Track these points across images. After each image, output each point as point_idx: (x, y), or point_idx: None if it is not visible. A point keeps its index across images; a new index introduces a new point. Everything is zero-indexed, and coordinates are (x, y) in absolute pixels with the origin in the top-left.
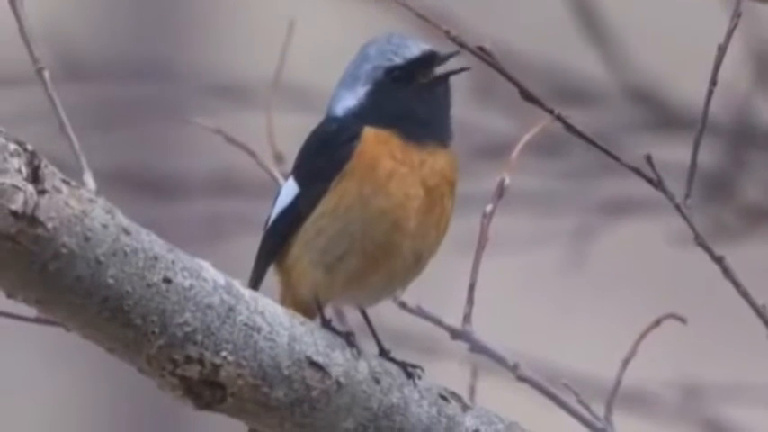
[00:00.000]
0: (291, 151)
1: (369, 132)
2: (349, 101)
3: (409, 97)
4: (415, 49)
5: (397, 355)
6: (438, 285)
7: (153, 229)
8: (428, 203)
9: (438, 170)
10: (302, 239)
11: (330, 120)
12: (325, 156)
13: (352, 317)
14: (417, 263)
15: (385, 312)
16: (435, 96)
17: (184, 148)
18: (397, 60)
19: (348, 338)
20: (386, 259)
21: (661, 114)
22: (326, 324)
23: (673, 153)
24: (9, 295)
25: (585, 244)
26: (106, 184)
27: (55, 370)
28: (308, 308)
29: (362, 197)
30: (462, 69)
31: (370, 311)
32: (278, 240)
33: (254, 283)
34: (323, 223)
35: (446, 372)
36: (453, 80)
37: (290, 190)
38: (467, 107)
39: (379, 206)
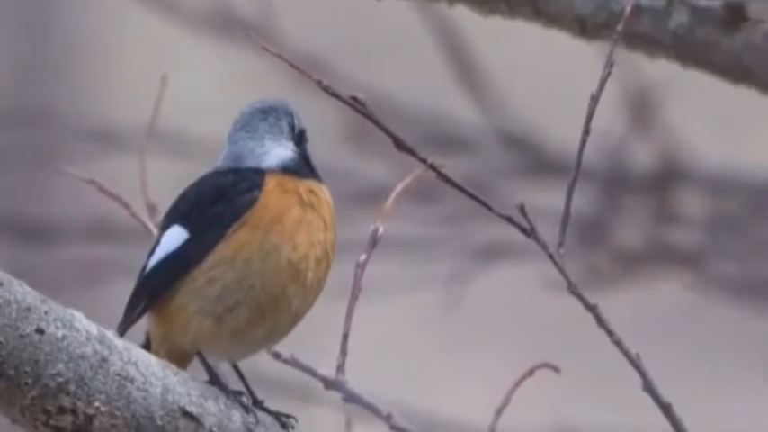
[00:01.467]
0: (165, 200)
1: (271, 181)
2: (281, 150)
3: (303, 152)
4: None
5: (272, 404)
6: (312, 334)
7: (28, 275)
8: (321, 254)
9: (330, 204)
10: (190, 288)
11: (226, 171)
12: (222, 204)
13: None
14: (296, 319)
15: (259, 361)
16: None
17: (59, 195)
18: (303, 126)
19: (237, 398)
20: (273, 313)
21: (535, 160)
22: (216, 380)
23: (548, 197)
24: None
25: (461, 289)
26: None
27: None
28: (183, 358)
29: (264, 249)
30: None
31: (245, 360)
32: (160, 286)
33: (123, 329)
34: (216, 273)
35: (321, 420)
36: (327, 127)
37: (176, 236)
38: (342, 154)
39: (284, 258)
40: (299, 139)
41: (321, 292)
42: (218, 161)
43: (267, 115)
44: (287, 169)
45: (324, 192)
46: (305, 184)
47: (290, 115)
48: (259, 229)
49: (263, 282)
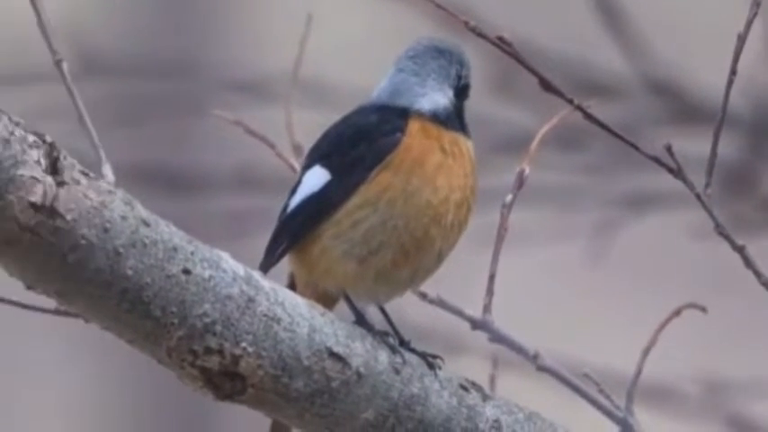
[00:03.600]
0: (308, 145)
1: (414, 124)
2: (440, 95)
3: (459, 106)
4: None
5: (417, 347)
6: (458, 278)
7: (173, 223)
8: (463, 197)
9: (472, 159)
10: (333, 230)
11: (370, 109)
12: (364, 145)
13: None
14: (439, 259)
15: (405, 307)
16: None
17: (204, 143)
18: (470, 81)
19: (384, 338)
20: (417, 254)
21: (681, 106)
22: (362, 320)
23: (693, 145)
24: (28, 287)
25: (607, 237)
26: (126, 180)
27: (78, 361)
28: (328, 300)
29: (407, 191)
30: None
31: (391, 303)
32: (302, 228)
33: (264, 270)
34: (360, 215)
35: (466, 364)
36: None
37: (318, 177)
38: (485, 101)
39: (425, 200)
40: (461, 91)
41: (463, 233)
42: (376, 90)
43: (441, 56)
44: (437, 117)
45: (468, 146)
46: (450, 135)
47: (461, 64)
48: (401, 172)
49: (406, 223)
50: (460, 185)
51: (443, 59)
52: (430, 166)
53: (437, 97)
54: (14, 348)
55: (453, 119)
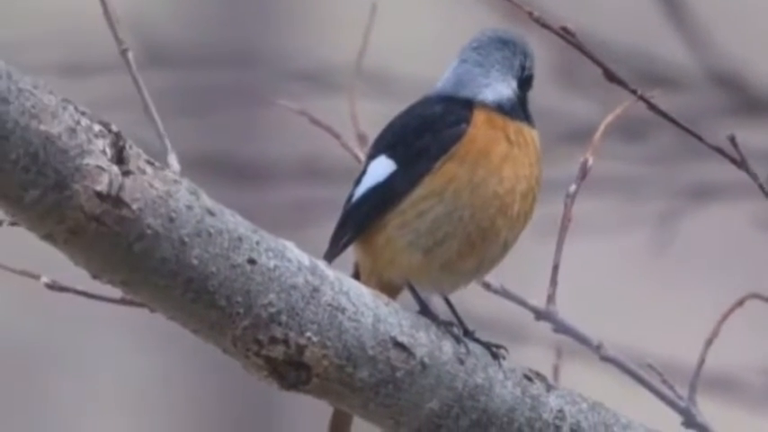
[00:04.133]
0: (372, 135)
1: (479, 115)
2: (504, 86)
3: (523, 96)
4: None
5: (481, 337)
6: (521, 269)
7: (238, 213)
8: (528, 187)
9: (537, 148)
10: (398, 220)
11: (435, 100)
12: (429, 136)
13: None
14: (505, 249)
15: (468, 297)
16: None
17: (268, 133)
18: (533, 72)
19: (448, 328)
20: (483, 244)
21: (744, 98)
22: (426, 311)
23: (756, 136)
24: (94, 277)
25: (671, 227)
26: (191, 170)
27: (143, 351)
28: (393, 289)
29: (473, 182)
30: None
31: (455, 293)
32: (367, 218)
33: (329, 260)
34: (426, 205)
35: (530, 353)
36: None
37: (383, 167)
38: (549, 91)
39: (491, 191)
40: (525, 82)
41: (528, 223)
42: (440, 81)
43: (505, 46)
44: (501, 107)
45: (532, 135)
46: (514, 125)
47: (525, 55)
48: (467, 162)
49: (472, 213)
50: (526, 175)
51: (507, 50)
52: (496, 156)
53: (501, 88)
54: (80, 338)
55: (517, 109)
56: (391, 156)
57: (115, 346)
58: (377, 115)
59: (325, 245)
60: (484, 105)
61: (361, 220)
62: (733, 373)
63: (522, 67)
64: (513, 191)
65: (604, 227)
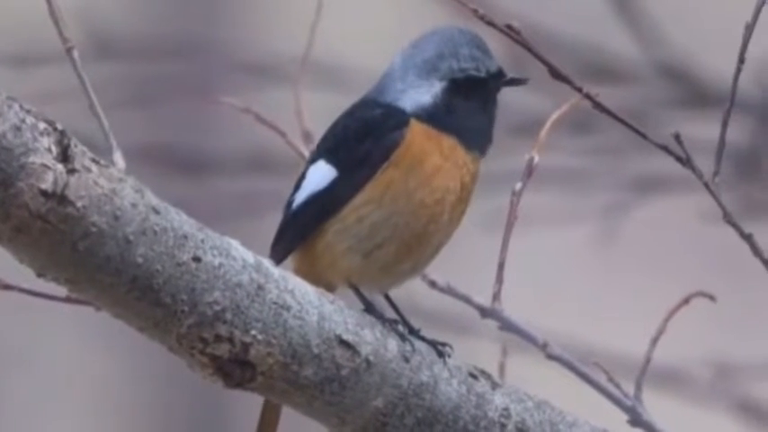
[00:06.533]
0: (320, 130)
1: (416, 125)
2: (421, 92)
3: (474, 107)
4: (493, 64)
5: (427, 335)
6: (467, 265)
7: (183, 207)
8: (458, 199)
9: (473, 173)
10: (338, 226)
11: (372, 103)
12: (370, 141)
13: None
14: (437, 250)
15: (415, 292)
16: (491, 111)
17: (215, 126)
18: (480, 73)
19: (393, 326)
20: (418, 248)
21: (691, 91)
22: (371, 309)
23: (703, 130)
24: (39, 275)
25: (616, 221)
26: (136, 163)
27: (102, 350)
28: (329, 291)
29: (408, 189)
30: (522, 81)
31: (401, 291)
32: (309, 225)
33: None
34: (365, 211)
35: (475, 350)
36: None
37: (324, 173)
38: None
39: (422, 199)
40: (462, 85)
41: (460, 224)
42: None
43: (441, 45)
44: (429, 118)
45: (462, 154)
46: (448, 141)
47: (457, 57)
48: (402, 168)
49: (407, 220)
50: (456, 189)
51: (442, 49)
52: (429, 165)
53: (417, 95)
54: (35, 337)
55: (443, 118)
56: (331, 161)
57: (72, 344)
58: (328, 108)
59: (268, 237)
60: (416, 115)
61: (301, 230)
62: (680, 368)
63: (452, 69)
64: (443, 201)
65: (551, 220)
